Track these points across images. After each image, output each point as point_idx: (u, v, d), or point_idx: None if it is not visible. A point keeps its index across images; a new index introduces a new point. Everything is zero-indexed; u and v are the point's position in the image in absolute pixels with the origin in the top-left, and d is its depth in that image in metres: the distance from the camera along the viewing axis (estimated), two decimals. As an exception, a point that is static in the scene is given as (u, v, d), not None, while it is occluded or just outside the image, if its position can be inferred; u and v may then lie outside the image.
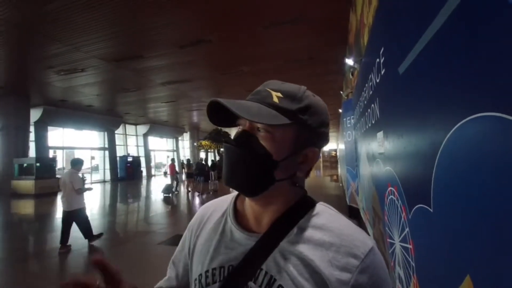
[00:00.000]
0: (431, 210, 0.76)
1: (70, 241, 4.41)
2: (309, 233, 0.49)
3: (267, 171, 0.49)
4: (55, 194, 11.58)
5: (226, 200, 0.63)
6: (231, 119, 0.52)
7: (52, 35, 6.19)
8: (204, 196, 10.10)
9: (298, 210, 0.52)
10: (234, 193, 0.62)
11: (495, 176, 0.48)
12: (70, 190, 4.28)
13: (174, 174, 11.64)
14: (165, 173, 22.50)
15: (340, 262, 0.45)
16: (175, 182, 11.31)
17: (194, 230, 0.62)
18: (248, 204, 0.55)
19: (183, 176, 13.45)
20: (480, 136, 0.52)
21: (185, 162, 13.70)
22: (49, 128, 14.12)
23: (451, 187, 0.64)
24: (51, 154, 14.49)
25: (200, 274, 0.54)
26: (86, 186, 4.73)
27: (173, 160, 12.63)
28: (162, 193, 10.37)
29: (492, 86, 0.47)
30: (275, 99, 0.49)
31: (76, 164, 4.56)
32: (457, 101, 0.59)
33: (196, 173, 11.40)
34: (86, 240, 4.54)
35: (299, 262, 0.46)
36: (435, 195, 0.73)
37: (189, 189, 11.46)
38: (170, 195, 10.35)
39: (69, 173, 4.43)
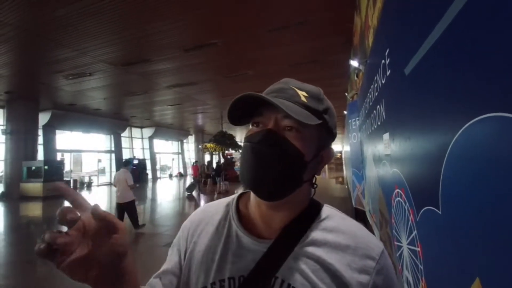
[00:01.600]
0: (440, 212, 0.75)
1: None
2: (323, 236, 0.48)
3: (299, 172, 0.47)
4: (63, 197, 11.72)
5: (225, 203, 0.58)
6: (244, 117, 0.50)
7: (61, 40, 6.31)
8: (214, 197, 10.27)
9: (308, 213, 0.51)
10: (233, 195, 0.59)
11: (504, 178, 0.47)
12: (124, 186, 5.07)
13: (197, 175, 12.64)
14: (170, 176, 22.67)
15: (357, 265, 0.44)
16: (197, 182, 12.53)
17: (191, 235, 0.55)
18: (256, 207, 0.52)
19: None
20: (488, 137, 0.51)
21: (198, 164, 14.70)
22: (57, 131, 14.36)
23: (459, 188, 0.64)
24: (59, 157, 14.71)
25: (205, 287, 0.49)
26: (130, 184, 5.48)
27: (196, 162, 13.88)
28: (186, 192, 11.42)
29: (501, 86, 0.47)
30: (303, 99, 0.48)
31: (127, 164, 5.62)
32: (464, 102, 0.59)
33: (213, 175, 12.09)
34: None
35: (318, 267, 0.45)
36: (444, 197, 0.72)
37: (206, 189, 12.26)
38: (194, 193, 11.37)
39: (122, 172, 5.25)
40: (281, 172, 0.45)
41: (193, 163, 13.85)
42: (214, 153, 18.91)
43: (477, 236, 0.57)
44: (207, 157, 21.13)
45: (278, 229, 0.49)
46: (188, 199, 10.35)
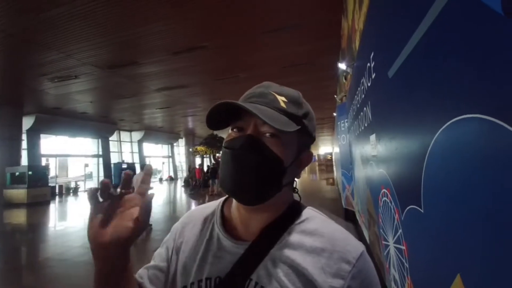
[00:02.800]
0: (422, 211, 0.77)
1: (64, 251, 4.49)
2: (300, 239, 0.47)
3: (279, 177, 0.47)
4: (48, 203, 11.38)
5: (213, 206, 0.59)
6: (224, 122, 0.51)
7: (46, 43, 6.14)
8: (206, 199, 10.24)
9: (288, 215, 0.51)
10: (221, 199, 0.59)
11: (480, 175, 0.49)
12: None
13: (200, 177, 14.37)
14: (161, 179, 22.36)
15: (332, 268, 0.44)
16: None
17: (178, 236, 0.57)
18: (236, 210, 0.53)
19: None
20: (465, 137, 0.53)
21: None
22: (42, 136, 13.93)
23: (439, 187, 0.66)
24: (43, 162, 14.26)
25: (185, 286, 0.50)
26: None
27: (200, 165, 15.64)
28: (191, 192, 13.04)
29: (474, 89, 0.49)
30: (282, 104, 0.48)
31: None
32: (442, 104, 0.61)
33: (209, 177, 13.10)
34: (81, 250, 4.58)
35: (291, 271, 0.44)
36: (425, 196, 0.74)
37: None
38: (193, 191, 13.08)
39: (141, 175, 5.94)
40: (261, 178, 0.46)
41: (197, 166, 15.83)
42: (205, 156, 18.78)
43: (457, 233, 0.60)
44: (198, 161, 20.96)
45: (257, 231, 0.50)
46: (180, 203, 10.23)
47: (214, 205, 0.59)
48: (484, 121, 0.46)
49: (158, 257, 0.57)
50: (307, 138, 0.52)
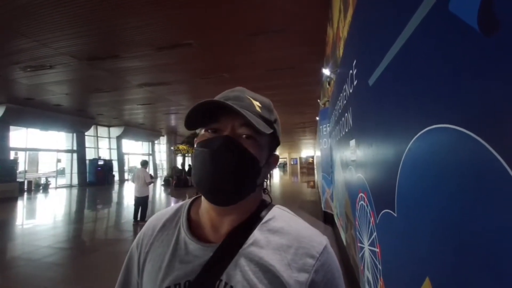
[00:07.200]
0: (395, 215, 0.81)
1: (32, 250, 4.28)
2: (268, 237, 0.49)
3: (255, 177, 0.49)
4: (15, 200, 10.70)
5: (177, 210, 0.58)
6: (198, 123, 0.51)
7: (19, 30, 5.77)
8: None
9: (257, 215, 0.52)
10: (185, 201, 0.59)
11: (449, 183, 0.52)
12: (143, 182, 6.26)
13: None
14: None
15: (298, 264, 0.46)
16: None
17: (144, 246, 0.55)
18: (206, 213, 0.53)
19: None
20: (436, 145, 0.56)
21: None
22: (11, 128, 13.08)
23: (412, 193, 0.69)
24: (12, 155, 13.39)
25: None
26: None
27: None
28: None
29: (446, 101, 0.52)
30: (258, 109, 0.50)
31: (145, 164, 6.72)
32: (416, 114, 0.64)
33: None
34: (49, 250, 4.33)
35: (258, 269, 0.46)
36: (399, 201, 0.77)
37: None
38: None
39: (141, 170, 6.45)
40: (239, 178, 0.47)
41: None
42: (186, 155, 18.49)
43: (427, 238, 0.62)
44: (179, 159, 20.56)
45: (226, 233, 0.51)
46: (160, 199, 9.98)
47: (177, 208, 0.58)
48: (454, 131, 0.48)
49: (127, 272, 0.57)
50: (275, 142, 0.55)
